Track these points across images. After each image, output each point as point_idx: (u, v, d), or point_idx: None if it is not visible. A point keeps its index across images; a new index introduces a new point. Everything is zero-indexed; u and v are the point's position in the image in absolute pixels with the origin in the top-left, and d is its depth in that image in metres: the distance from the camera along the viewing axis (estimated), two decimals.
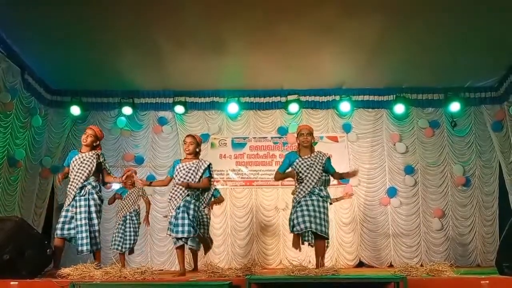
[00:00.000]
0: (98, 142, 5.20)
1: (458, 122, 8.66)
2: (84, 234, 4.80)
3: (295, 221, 4.80)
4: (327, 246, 6.31)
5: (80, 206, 4.87)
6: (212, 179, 5.36)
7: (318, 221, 4.73)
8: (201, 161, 5.12)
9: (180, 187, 4.94)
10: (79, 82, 8.39)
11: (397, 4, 6.12)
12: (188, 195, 4.94)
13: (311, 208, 4.76)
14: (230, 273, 4.11)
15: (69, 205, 4.93)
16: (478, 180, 8.51)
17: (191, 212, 4.89)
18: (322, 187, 4.96)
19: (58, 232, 4.85)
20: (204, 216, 6.49)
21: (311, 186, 4.85)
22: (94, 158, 5.02)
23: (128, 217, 6.80)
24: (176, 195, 4.95)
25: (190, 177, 4.99)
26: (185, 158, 5.20)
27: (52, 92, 8.59)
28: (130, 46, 7.10)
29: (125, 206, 6.83)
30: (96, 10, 6.15)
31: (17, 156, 7.41)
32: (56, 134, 8.59)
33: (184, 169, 5.03)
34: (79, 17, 6.29)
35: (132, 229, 6.79)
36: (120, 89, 8.70)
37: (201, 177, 5.04)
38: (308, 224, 4.71)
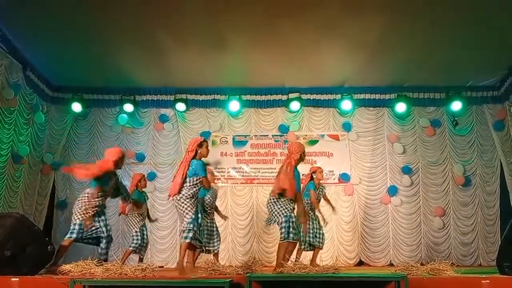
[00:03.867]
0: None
1: (460, 121, 8.64)
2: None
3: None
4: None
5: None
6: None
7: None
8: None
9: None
10: (81, 79, 8.40)
11: (399, 2, 6.10)
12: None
13: None
14: (230, 271, 4.12)
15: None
16: (479, 179, 8.48)
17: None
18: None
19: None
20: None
21: None
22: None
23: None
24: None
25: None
26: None
27: (53, 88, 8.60)
28: (132, 43, 7.09)
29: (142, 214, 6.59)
30: (97, 7, 6.14)
31: (21, 153, 7.43)
32: (58, 131, 8.60)
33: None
34: (81, 14, 6.28)
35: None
36: (121, 86, 8.70)
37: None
38: None
